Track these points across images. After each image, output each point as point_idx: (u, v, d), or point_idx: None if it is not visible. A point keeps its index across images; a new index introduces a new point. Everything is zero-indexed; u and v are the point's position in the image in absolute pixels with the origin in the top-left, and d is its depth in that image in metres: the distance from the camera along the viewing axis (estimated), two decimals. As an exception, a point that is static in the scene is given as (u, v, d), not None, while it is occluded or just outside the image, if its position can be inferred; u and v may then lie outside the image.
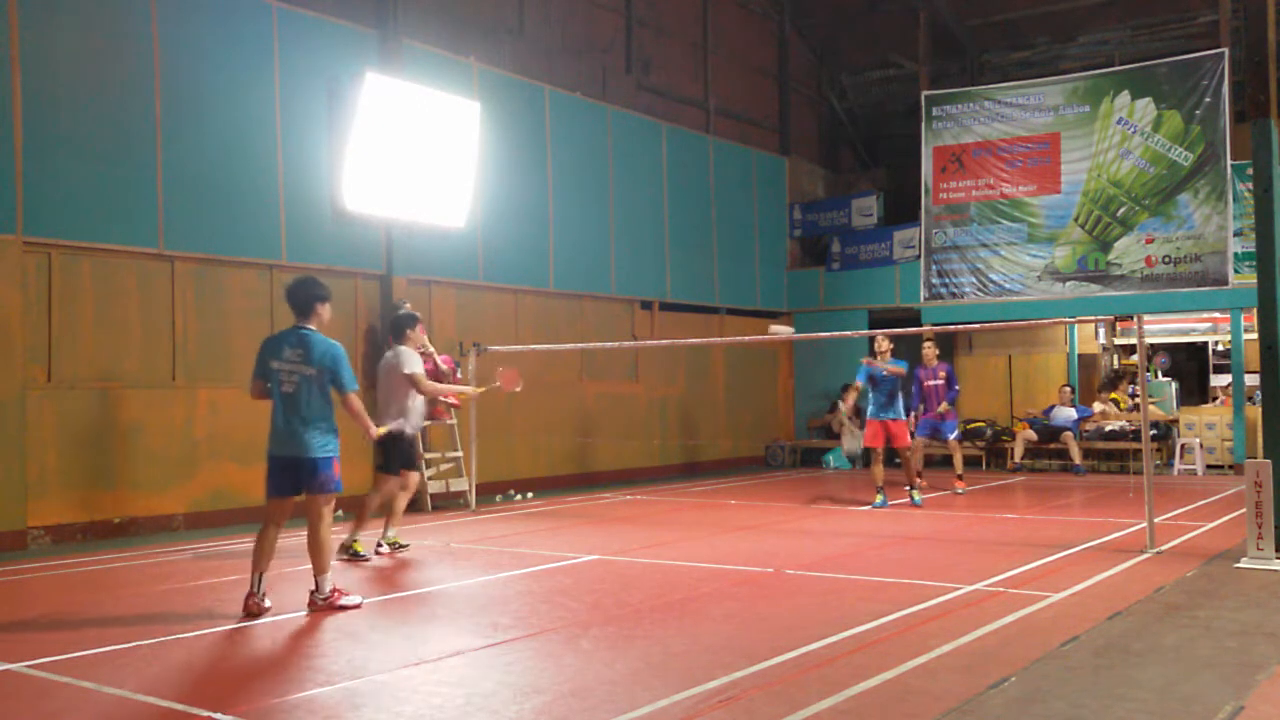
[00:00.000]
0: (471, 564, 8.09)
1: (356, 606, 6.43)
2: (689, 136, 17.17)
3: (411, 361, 8.47)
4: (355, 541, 8.33)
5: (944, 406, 12.72)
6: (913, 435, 12.42)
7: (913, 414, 12.87)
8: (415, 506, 12.00)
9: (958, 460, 13.00)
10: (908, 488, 11.83)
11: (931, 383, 12.83)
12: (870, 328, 17.20)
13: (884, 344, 11.43)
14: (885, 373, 11.41)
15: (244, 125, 11.00)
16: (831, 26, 20.52)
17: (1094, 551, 8.21)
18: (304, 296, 6.54)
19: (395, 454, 8.40)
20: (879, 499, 11.47)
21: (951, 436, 12.89)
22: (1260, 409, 7.95)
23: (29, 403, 9.36)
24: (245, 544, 9.25)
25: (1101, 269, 15.92)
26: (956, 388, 12.99)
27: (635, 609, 6.32)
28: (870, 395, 11.57)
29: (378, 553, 8.50)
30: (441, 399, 12.18)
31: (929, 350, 12.93)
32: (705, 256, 17.38)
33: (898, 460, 13.42)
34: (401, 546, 8.70)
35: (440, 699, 4.53)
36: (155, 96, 10.27)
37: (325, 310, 6.62)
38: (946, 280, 17.04)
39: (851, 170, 21.67)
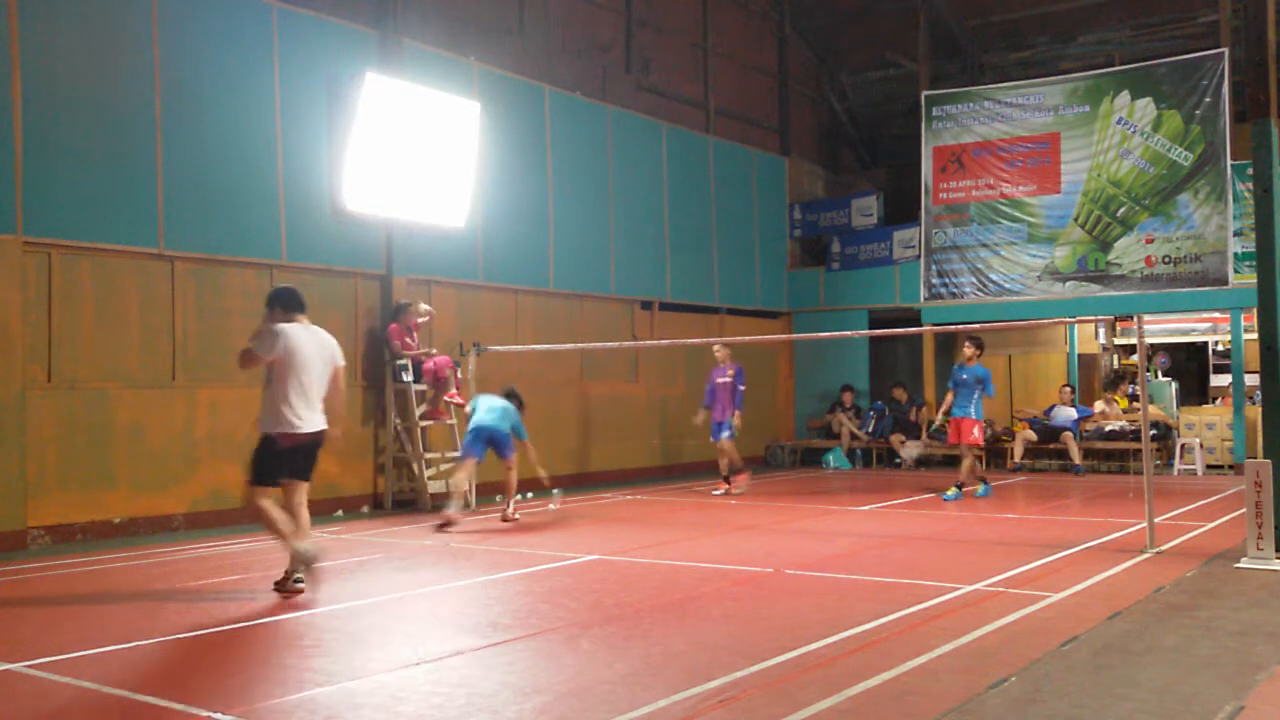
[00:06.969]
0: (471, 564, 8.09)
1: None
2: (689, 136, 17.16)
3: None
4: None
5: (736, 418, 13.09)
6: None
7: (704, 411, 13.39)
8: (415, 506, 12.01)
9: (724, 464, 13.21)
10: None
11: (721, 380, 13.21)
12: (870, 328, 17.22)
13: (968, 350, 12.29)
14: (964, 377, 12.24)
15: (244, 125, 10.99)
16: (831, 26, 20.51)
17: (1094, 551, 8.21)
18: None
19: None
20: (951, 492, 12.13)
21: (723, 437, 13.11)
22: (1260, 409, 7.96)
23: (29, 403, 9.35)
24: (245, 544, 9.26)
25: (1101, 269, 15.91)
26: (742, 388, 13.28)
27: (635, 609, 6.32)
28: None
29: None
30: (446, 398, 12.20)
31: (721, 352, 13.31)
32: (705, 256, 17.38)
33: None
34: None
35: (440, 699, 4.53)
36: (155, 96, 10.27)
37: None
38: (946, 280, 17.04)
39: (851, 170, 21.66)
